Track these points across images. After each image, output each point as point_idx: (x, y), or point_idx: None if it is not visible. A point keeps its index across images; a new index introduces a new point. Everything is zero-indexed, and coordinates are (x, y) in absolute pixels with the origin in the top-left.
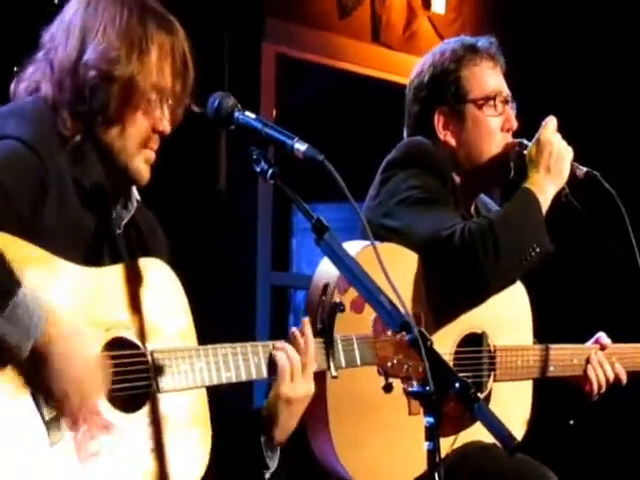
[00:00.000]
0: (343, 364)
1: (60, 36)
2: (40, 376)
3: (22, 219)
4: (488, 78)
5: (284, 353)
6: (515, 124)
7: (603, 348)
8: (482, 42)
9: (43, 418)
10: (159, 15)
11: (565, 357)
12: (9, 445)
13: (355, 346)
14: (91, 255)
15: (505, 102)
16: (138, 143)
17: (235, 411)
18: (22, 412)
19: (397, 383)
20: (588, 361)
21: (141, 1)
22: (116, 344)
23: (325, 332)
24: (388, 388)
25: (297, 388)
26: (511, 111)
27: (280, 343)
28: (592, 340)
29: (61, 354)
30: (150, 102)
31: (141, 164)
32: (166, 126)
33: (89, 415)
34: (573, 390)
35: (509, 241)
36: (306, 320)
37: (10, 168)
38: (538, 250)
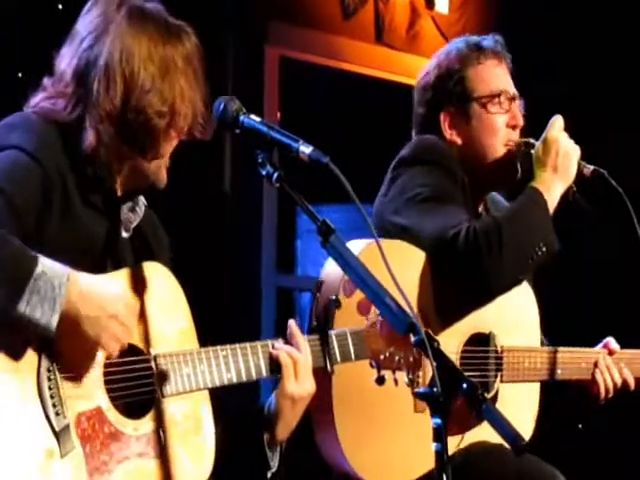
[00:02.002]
0: (339, 359)
1: (97, 80)
2: (73, 334)
3: (27, 229)
4: (493, 76)
5: (285, 353)
6: (521, 121)
7: (611, 353)
8: (487, 40)
9: (53, 429)
10: (174, 27)
11: (573, 360)
12: (19, 456)
13: (349, 341)
14: (96, 261)
15: (511, 99)
16: (168, 159)
17: (237, 409)
18: (32, 423)
19: (402, 379)
20: (596, 365)
21: (155, 17)
22: (123, 350)
23: (320, 329)
24: (380, 380)
25: (302, 386)
26: (517, 108)
27: (279, 343)
28: (601, 345)
29: (91, 308)
30: (186, 120)
31: (165, 172)
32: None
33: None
34: (581, 393)
35: (514, 239)
36: (291, 322)
37: (13, 178)
38: (545, 249)
